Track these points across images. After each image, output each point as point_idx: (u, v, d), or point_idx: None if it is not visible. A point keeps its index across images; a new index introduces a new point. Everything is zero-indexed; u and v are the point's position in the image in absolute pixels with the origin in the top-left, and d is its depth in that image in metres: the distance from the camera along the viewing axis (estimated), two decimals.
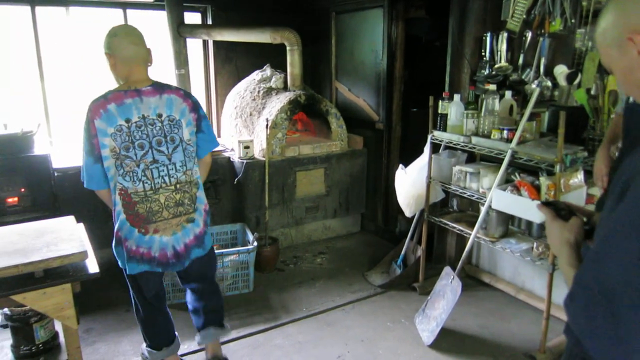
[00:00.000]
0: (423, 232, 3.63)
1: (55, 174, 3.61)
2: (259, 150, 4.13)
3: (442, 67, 3.81)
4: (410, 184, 3.55)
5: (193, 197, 2.28)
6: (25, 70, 4.31)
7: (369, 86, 4.62)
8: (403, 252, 3.85)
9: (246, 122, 4.34)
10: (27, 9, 4.17)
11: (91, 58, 4.51)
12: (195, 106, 2.27)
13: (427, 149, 3.48)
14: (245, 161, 4.00)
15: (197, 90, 4.95)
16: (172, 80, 4.66)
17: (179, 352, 2.78)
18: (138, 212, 2.17)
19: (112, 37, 2.15)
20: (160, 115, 2.15)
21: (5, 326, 2.79)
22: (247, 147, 4.03)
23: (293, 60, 4.18)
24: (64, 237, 2.12)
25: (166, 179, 2.19)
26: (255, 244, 3.58)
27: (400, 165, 3.61)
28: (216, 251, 3.59)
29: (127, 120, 2.11)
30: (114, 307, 3.44)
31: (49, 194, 3.74)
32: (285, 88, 4.36)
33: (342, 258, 4.26)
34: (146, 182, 2.16)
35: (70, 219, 2.38)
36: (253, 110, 4.32)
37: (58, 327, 2.32)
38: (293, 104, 4.14)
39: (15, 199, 3.67)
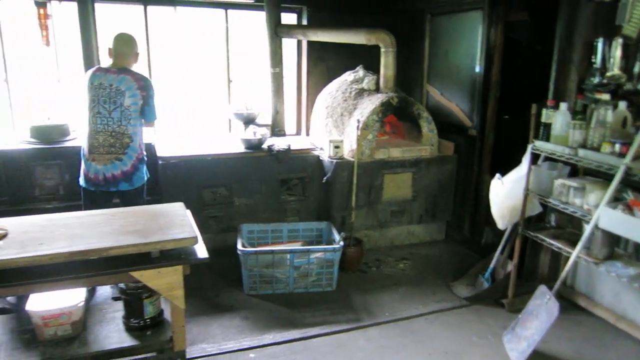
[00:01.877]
0: (516, 247, 3.47)
1: (159, 162, 3.85)
2: (348, 150, 4.15)
3: (541, 73, 3.63)
4: (506, 194, 3.41)
5: (123, 144, 3.21)
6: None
7: (463, 90, 4.49)
8: (492, 265, 3.70)
9: (337, 122, 4.38)
10: (140, 8, 4.48)
11: (194, 54, 4.77)
12: (144, 87, 3.22)
13: (526, 159, 3.32)
14: (335, 161, 4.04)
15: (289, 89, 5.07)
16: (267, 78, 4.80)
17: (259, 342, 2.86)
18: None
19: (114, 38, 3.29)
20: (111, 85, 3.18)
21: (116, 299, 3.02)
22: (337, 147, 4.07)
23: (387, 62, 4.16)
24: (176, 221, 2.25)
25: (105, 126, 3.19)
26: (342, 243, 3.61)
27: (497, 175, 3.48)
28: (302, 247, 3.67)
29: (92, 83, 3.21)
30: (204, 291, 3.60)
31: (153, 180, 3.98)
32: (377, 90, 4.36)
33: (425, 265, 4.18)
34: (95, 125, 3.21)
35: (180, 205, 2.52)
36: (344, 110, 4.35)
37: (162, 304, 2.47)
38: (385, 106, 4.12)
39: None
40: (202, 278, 3.72)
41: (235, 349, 2.94)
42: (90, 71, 3.30)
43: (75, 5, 4.12)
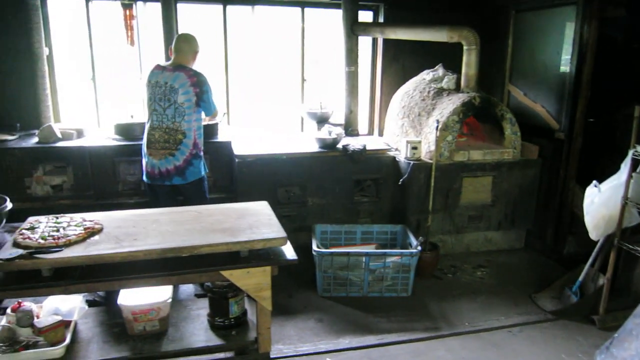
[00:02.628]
0: (610, 260, 3.21)
1: (236, 160, 3.89)
2: (425, 151, 4.01)
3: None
4: (601, 203, 3.16)
5: (177, 140, 3.33)
6: (208, 63, 4.72)
7: (550, 91, 4.22)
8: (580, 278, 3.45)
9: (414, 122, 4.25)
10: (219, 7, 4.55)
11: (270, 53, 4.80)
12: (197, 83, 3.31)
13: (625, 165, 3.06)
14: (412, 162, 3.91)
15: (363, 88, 4.99)
16: (341, 77, 4.75)
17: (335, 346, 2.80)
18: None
19: (176, 37, 3.50)
20: (166, 83, 3.30)
21: (199, 295, 3.06)
22: (415, 148, 3.94)
23: (469, 60, 3.98)
24: (263, 221, 2.24)
25: (160, 123, 3.33)
26: (420, 248, 3.48)
27: (594, 182, 3.23)
28: (378, 250, 3.58)
29: (149, 81, 3.37)
30: (277, 291, 3.56)
31: (229, 177, 4.05)
32: (457, 89, 4.18)
33: (504, 274, 3.96)
34: (152, 121, 3.36)
35: (265, 204, 2.51)
36: (422, 110, 4.21)
37: (246, 304, 2.46)
38: (466, 106, 3.94)
39: None
40: (274, 277, 3.71)
41: (312, 351, 2.90)
42: (150, 69, 3.43)
43: (159, 5, 4.24)
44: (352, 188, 4.15)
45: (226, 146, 4.03)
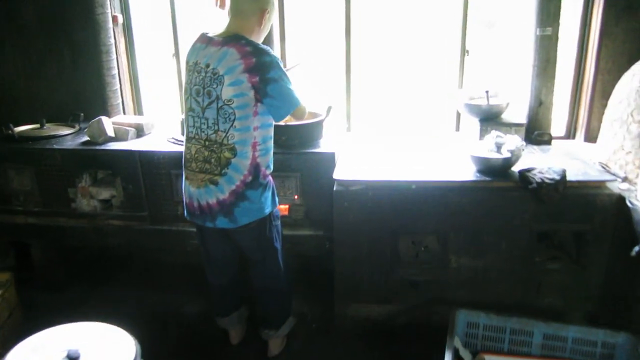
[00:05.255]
0: None
1: (334, 187, 2.43)
2: None
3: None
4: None
5: (221, 160, 2.09)
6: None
7: None
8: None
9: None
10: None
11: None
12: (256, 67, 1.99)
13: None
14: None
15: (564, 62, 3.04)
16: (526, 47, 2.90)
17: None
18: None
19: None
20: (207, 66, 2.05)
21: None
22: None
23: None
24: None
25: (198, 131, 2.11)
26: None
27: None
28: None
29: (187, 62, 2.16)
30: None
31: (329, 207, 2.62)
32: None
33: None
34: (188, 127, 2.18)
35: None
36: None
37: None
38: None
39: (287, 206, 2.70)
40: None
41: None
42: (193, 42, 2.19)
43: None
44: (533, 244, 2.38)
45: (327, 160, 2.60)
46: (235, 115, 2.02)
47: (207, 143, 2.09)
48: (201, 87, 2.05)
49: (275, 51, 3.16)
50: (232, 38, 2.03)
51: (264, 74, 1.99)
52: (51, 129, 3.10)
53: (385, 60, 3.37)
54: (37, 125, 3.13)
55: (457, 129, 3.28)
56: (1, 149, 2.90)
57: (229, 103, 2.01)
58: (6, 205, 3.00)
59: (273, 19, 2.22)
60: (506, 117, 2.89)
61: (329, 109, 2.77)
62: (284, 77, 2.05)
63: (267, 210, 2.20)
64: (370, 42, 3.35)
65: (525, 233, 2.34)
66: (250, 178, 2.11)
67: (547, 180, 2.19)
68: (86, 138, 2.91)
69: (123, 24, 3.33)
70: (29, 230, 3.01)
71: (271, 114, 2.10)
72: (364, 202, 2.39)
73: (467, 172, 2.39)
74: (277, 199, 2.30)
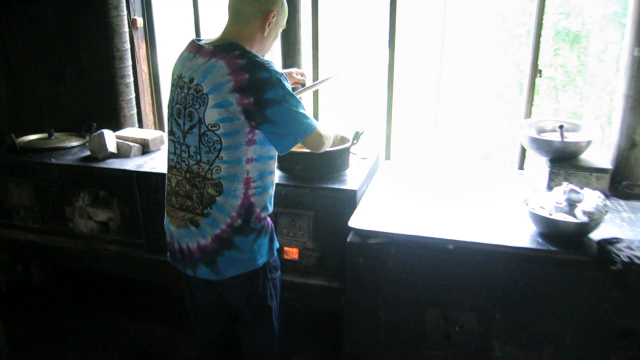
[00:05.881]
0: None
1: (348, 239, 1.94)
2: None
3: None
4: None
5: (204, 198, 1.66)
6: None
7: None
8: None
9: None
10: None
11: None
12: (250, 85, 1.55)
13: None
14: None
15: None
16: (623, 67, 2.25)
17: None
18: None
19: None
20: (191, 81, 1.63)
21: None
22: None
23: None
24: None
25: (179, 159, 1.70)
26: None
27: None
28: None
29: (172, 75, 1.77)
30: None
31: (338, 257, 2.14)
32: None
33: None
34: (169, 154, 1.77)
35: None
36: None
37: None
38: None
39: (296, 250, 2.26)
40: None
41: None
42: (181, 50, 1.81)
43: None
44: (610, 342, 1.75)
45: (347, 199, 2.12)
46: (222, 144, 1.61)
47: (188, 175, 1.69)
48: (182, 107, 1.66)
49: (306, 60, 2.73)
50: (225, 47, 1.62)
51: (260, 94, 1.57)
52: (59, 140, 2.85)
53: (436, 76, 2.82)
54: (45, 135, 2.90)
55: (521, 166, 2.66)
56: (2, 160, 2.69)
57: (214, 129, 1.60)
58: (7, 219, 2.79)
59: (283, 23, 1.79)
60: (585, 159, 2.25)
61: (357, 134, 2.29)
62: (288, 96, 1.61)
63: (261, 261, 1.76)
64: (418, 54, 2.82)
65: (600, 326, 1.72)
66: (239, 221, 1.68)
67: (637, 261, 1.57)
68: (86, 153, 2.62)
69: (144, 27, 3.03)
70: (29, 247, 2.78)
71: (273, 144, 1.67)
72: (385, 260, 1.87)
73: (526, 235, 1.80)
74: (276, 244, 1.85)
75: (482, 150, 2.92)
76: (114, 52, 2.83)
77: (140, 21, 3.00)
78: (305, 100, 2.64)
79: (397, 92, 2.70)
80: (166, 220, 1.83)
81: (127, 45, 2.88)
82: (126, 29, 2.85)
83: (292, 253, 2.26)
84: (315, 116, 2.87)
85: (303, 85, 2.37)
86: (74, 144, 2.82)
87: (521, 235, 1.81)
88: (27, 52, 3.08)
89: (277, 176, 2.20)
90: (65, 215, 2.63)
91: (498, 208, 2.06)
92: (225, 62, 1.58)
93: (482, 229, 1.87)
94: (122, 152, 2.59)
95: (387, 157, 2.82)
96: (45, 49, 3.03)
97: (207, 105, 1.58)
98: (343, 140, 2.34)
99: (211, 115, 1.58)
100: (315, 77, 2.80)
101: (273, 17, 1.69)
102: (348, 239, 1.91)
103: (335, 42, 3.00)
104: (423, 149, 2.93)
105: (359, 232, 1.91)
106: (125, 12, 2.83)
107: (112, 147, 2.56)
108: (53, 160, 2.58)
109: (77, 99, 3.08)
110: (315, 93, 2.83)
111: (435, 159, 2.88)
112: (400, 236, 1.86)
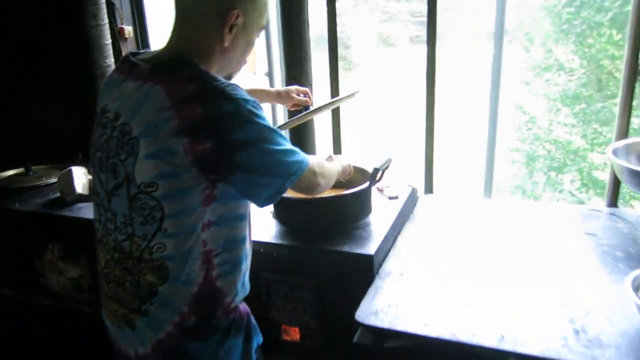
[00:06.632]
0: None
1: (356, 336, 1.33)
2: None
3: None
4: None
5: (140, 287, 1.14)
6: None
7: None
8: None
9: None
10: None
11: None
12: (206, 123, 1.03)
13: None
14: None
15: None
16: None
17: None
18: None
19: None
20: (116, 117, 1.11)
21: None
22: None
23: None
24: None
25: (105, 231, 1.19)
26: None
27: None
28: None
29: (97, 106, 1.22)
30: None
31: (350, 339, 1.53)
32: None
33: None
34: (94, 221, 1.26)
35: None
36: None
37: None
38: None
39: (296, 329, 1.69)
40: None
41: None
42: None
43: None
44: None
45: (362, 266, 1.52)
46: (164, 212, 1.08)
47: (117, 255, 1.17)
48: (104, 156, 1.14)
49: (320, 71, 2.16)
50: (167, 66, 1.10)
51: (223, 136, 1.04)
52: (36, 177, 2.44)
53: (490, 80, 2.16)
54: (22, 171, 2.50)
55: (612, 203, 1.94)
56: None
57: (149, 189, 1.07)
58: None
59: (259, 24, 1.21)
60: None
61: (376, 171, 1.68)
62: (266, 132, 1.09)
63: None
64: (467, 49, 2.18)
65: None
66: (193, 319, 1.16)
67: None
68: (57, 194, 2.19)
69: (135, 38, 2.58)
70: (3, 303, 2.40)
71: (248, 197, 1.16)
72: None
73: (631, 328, 1.13)
74: (257, 340, 1.30)
75: (557, 180, 2.21)
76: (94, 70, 2.38)
77: (128, 31, 2.54)
78: (319, 119, 2.08)
79: (440, 102, 2.07)
80: (103, 310, 1.33)
81: (111, 60, 2.43)
82: (108, 41, 2.40)
83: (293, 333, 1.70)
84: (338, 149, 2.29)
85: (307, 108, 1.82)
86: (52, 180, 2.40)
87: (627, 347, 1.13)
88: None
89: (270, 233, 1.65)
90: (36, 271, 2.21)
91: (585, 288, 1.37)
92: (165, 88, 1.05)
93: (560, 328, 1.21)
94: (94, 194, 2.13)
95: (428, 189, 2.20)
96: (39, 68, 2.64)
97: (137, 155, 1.05)
98: (362, 174, 1.75)
99: (144, 169, 1.05)
100: (336, 93, 2.22)
101: (236, 17, 1.12)
102: (355, 339, 1.31)
103: (361, 46, 2.41)
104: (474, 177, 2.27)
105: (370, 329, 1.30)
106: (106, 21, 2.37)
107: (81, 188, 2.10)
108: (17, 206, 2.17)
109: (61, 124, 2.67)
110: (336, 111, 2.24)
111: (493, 192, 2.21)
112: (433, 340, 1.23)
